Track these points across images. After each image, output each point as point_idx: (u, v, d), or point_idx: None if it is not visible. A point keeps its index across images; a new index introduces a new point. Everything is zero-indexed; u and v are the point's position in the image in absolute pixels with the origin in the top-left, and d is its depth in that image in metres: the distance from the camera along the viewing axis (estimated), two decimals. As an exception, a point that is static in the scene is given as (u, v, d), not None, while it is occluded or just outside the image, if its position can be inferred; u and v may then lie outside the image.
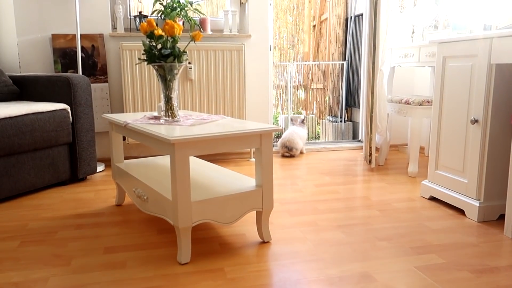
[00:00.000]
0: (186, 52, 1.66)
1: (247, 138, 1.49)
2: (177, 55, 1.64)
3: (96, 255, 1.50)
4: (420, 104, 2.51)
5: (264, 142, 1.52)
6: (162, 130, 1.46)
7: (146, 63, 2.81)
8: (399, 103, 2.68)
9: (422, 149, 3.37)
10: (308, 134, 4.88)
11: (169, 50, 1.62)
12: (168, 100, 1.70)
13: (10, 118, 2.08)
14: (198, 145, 1.38)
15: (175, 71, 1.67)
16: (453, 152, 1.97)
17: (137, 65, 2.80)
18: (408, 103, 2.58)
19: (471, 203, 1.84)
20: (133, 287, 1.27)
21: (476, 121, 1.83)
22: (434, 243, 1.58)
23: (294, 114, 5.23)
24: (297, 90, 5.31)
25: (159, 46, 1.69)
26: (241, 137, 1.47)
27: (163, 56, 1.63)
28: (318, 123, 4.94)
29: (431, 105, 2.51)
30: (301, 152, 3.35)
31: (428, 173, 2.13)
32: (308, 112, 5.23)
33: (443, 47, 2.02)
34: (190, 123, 1.62)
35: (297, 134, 3.27)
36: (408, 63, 2.84)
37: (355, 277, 1.32)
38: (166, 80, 1.68)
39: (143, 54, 1.67)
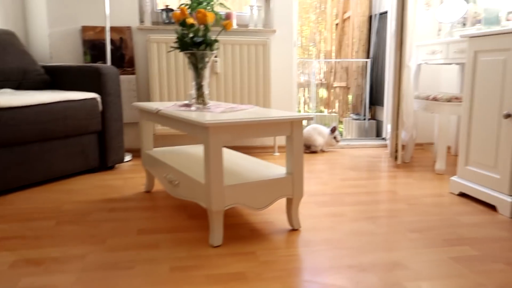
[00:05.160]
0: (218, 41, 1.68)
1: (279, 125, 1.50)
2: (209, 43, 1.66)
3: (129, 236, 1.53)
4: (449, 100, 2.48)
5: (295, 130, 1.53)
6: (195, 115, 1.48)
7: (178, 51, 2.85)
8: (427, 99, 2.65)
9: (448, 148, 3.32)
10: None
11: (201, 38, 1.65)
12: (199, 87, 1.72)
13: (45, 104, 2.13)
14: (231, 130, 1.40)
15: (207, 59, 1.69)
16: (485, 147, 1.95)
17: (164, 58, 2.84)
18: (436, 100, 2.56)
19: (503, 199, 1.82)
20: (167, 266, 1.30)
21: (509, 115, 1.80)
22: (466, 236, 1.56)
23: (315, 112, 5.21)
24: (319, 88, 5.31)
25: (191, 34, 1.72)
26: (272, 124, 1.48)
27: (195, 44, 1.66)
28: (341, 122, 4.92)
29: (460, 101, 2.48)
30: (322, 150, 3.30)
31: (458, 169, 2.11)
32: (329, 111, 5.22)
33: (475, 42, 2.00)
34: (221, 110, 1.64)
35: (315, 131, 3.23)
36: (435, 60, 2.81)
37: (387, 264, 1.32)
38: (197, 68, 1.71)
39: (175, 42, 1.70)
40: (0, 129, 1.93)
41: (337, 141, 3.27)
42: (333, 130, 3.26)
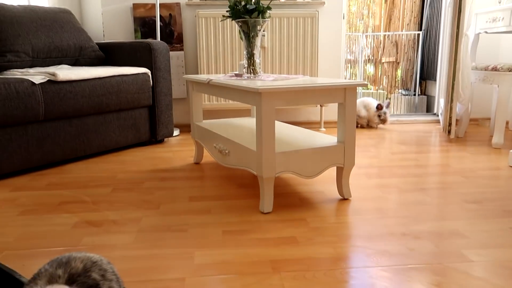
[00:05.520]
0: (270, 8, 1.66)
1: (332, 91, 1.47)
2: (261, 11, 1.64)
3: (182, 202, 1.57)
4: (510, 70, 2.34)
5: (348, 97, 1.49)
6: (247, 83, 1.48)
7: (229, 20, 2.85)
8: (485, 70, 2.51)
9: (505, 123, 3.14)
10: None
11: (254, 5, 1.63)
12: (250, 57, 1.72)
13: (100, 78, 2.21)
14: (283, 96, 1.39)
15: (259, 27, 1.68)
16: (550, 117, 1.82)
17: (212, 33, 2.85)
18: (496, 70, 2.41)
19: None
20: (219, 229, 1.32)
21: None
22: (529, 207, 1.48)
23: (362, 90, 5.08)
24: (366, 64, 5.15)
25: (243, 2, 1.71)
26: (325, 90, 1.45)
27: (247, 11, 1.65)
28: (388, 99, 4.77)
29: (523, 71, 2.33)
30: (370, 126, 3.20)
31: (519, 141, 1.99)
32: (376, 88, 5.07)
33: (544, 3, 1.85)
34: (273, 79, 1.63)
35: (361, 103, 3.12)
36: (496, 28, 2.64)
37: (444, 233, 1.28)
38: (249, 37, 1.70)
39: (227, 11, 1.70)
40: (60, 102, 2.03)
41: (382, 120, 3.11)
42: (379, 107, 3.12)
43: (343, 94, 1.48)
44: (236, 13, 1.65)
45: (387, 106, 3.14)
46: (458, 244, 1.20)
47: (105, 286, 0.71)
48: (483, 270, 1.06)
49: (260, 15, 1.64)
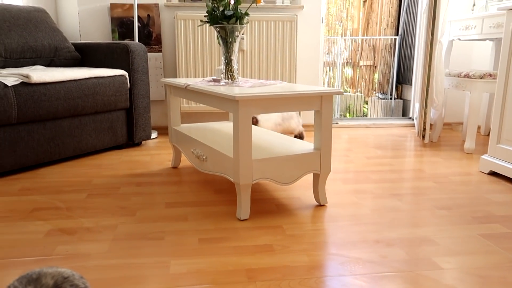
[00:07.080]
0: (248, 14, 1.66)
1: (308, 99, 1.48)
2: (239, 17, 1.65)
3: (158, 209, 1.56)
4: (482, 77, 2.40)
5: (325, 105, 1.51)
6: (224, 89, 1.48)
7: (207, 25, 2.84)
8: (458, 77, 2.58)
9: (477, 128, 3.23)
10: (354, 113, 4.79)
11: (232, 11, 1.63)
12: (228, 62, 1.72)
13: (75, 80, 2.17)
14: (260, 103, 1.40)
15: (236, 33, 1.68)
16: (519, 125, 1.88)
17: (191, 35, 2.83)
18: (468, 77, 2.48)
19: (537, 178, 1.77)
20: (196, 237, 1.32)
21: (546, 92, 1.73)
22: (497, 214, 1.53)
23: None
24: (344, 67, 5.21)
25: (221, 8, 1.71)
26: (302, 97, 1.47)
27: (225, 17, 1.65)
28: (366, 102, 4.84)
29: (494, 78, 2.40)
30: (299, 135, 2.81)
31: (489, 147, 2.05)
32: (354, 90, 5.13)
33: (513, 15, 1.91)
34: (250, 85, 1.64)
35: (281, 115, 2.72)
36: (469, 36, 2.71)
37: (415, 240, 1.31)
38: (227, 43, 1.70)
39: (205, 16, 1.69)
40: (34, 104, 1.99)
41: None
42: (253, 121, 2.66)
43: (320, 102, 1.50)
44: (213, 18, 1.64)
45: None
46: (428, 251, 1.23)
47: (77, 302, 0.70)
48: (452, 278, 1.09)
49: (238, 21, 1.64)
